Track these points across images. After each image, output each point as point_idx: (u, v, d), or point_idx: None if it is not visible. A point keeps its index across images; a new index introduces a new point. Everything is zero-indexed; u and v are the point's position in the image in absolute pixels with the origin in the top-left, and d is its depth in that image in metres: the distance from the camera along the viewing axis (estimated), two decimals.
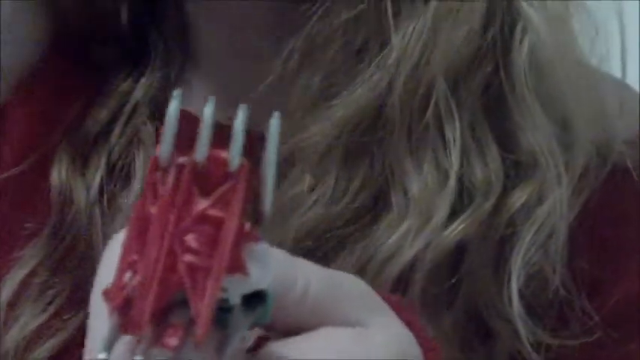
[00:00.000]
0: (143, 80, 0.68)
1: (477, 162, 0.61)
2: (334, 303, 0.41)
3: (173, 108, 0.36)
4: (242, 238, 0.36)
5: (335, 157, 0.61)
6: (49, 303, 0.63)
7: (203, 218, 0.35)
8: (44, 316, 0.63)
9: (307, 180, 0.60)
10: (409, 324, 0.44)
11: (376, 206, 0.61)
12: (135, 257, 0.36)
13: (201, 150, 0.36)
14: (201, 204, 0.36)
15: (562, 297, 0.61)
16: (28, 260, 0.64)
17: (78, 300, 0.62)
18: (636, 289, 0.64)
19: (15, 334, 0.62)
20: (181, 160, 0.36)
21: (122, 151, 0.65)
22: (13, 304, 0.63)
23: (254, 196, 0.37)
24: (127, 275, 0.36)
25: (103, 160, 0.65)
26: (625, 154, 0.64)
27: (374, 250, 0.59)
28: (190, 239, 0.35)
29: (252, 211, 0.37)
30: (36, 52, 0.68)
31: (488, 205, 0.60)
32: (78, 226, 0.64)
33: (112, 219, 0.64)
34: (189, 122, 0.69)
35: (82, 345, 0.39)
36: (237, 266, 0.36)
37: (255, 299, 0.38)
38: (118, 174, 0.65)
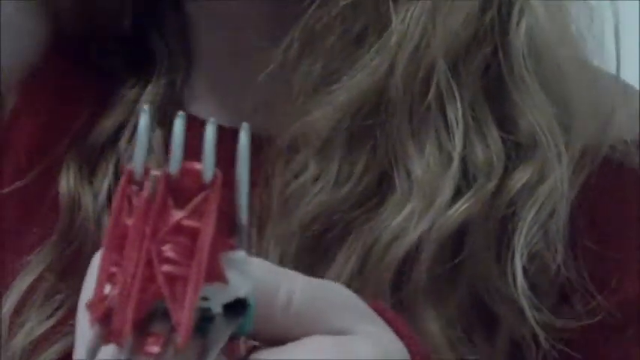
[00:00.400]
0: (150, 87, 0.68)
1: (478, 143, 0.61)
2: (319, 312, 0.42)
3: (143, 122, 0.37)
4: (219, 247, 0.37)
5: (338, 142, 0.61)
6: (57, 308, 0.64)
7: (179, 229, 0.36)
8: (51, 322, 0.63)
9: (311, 166, 0.61)
10: (396, 330, 0.44)
11: (380, 189, 0.61)
12: (113, 269, 0.37)
13: (175, 162, 0.37)
14: (177, 215, 0.36)
15: (564, 276, 0.62)
16: (35, 266, 0.65)
17: None
18: (636, 271, 0.64)
19: (21, 339, 0.63)
20: (155, 172, 0.37)
21: (130, 159, 0.64)
22: (20, 309, 0.64)
23: (231, 206, 0.38)
24: (107, 287, 0.37)
25: (111, 168, 0.66)
26: (625, 149, 0.65)
27: (379, 232, 0.60)
28: (167, 250, 0.36)
29: (230, 221, 0.38)
30: (36, 53, 0.69)
31: (490, 185, 0.61)
32: (86, 232, 0.65)
33: None
34: (193, 126, 0.70)
35: None
36: (215, 275, 0.37)
37: (237, 308, 0.38)
38: None
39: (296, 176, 0.61)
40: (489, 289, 0.61)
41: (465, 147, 0.61)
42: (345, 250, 0.60)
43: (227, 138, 0.66)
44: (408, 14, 0.61)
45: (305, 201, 0.60)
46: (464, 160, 0.61)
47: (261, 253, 0.60)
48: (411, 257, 0.60)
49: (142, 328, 0.36)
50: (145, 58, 0.68)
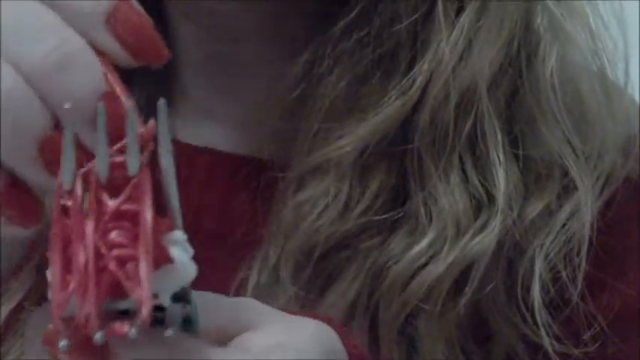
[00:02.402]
0: None
1: (500, 172, 0.61)
2: (248, 317, 0.44)
3: (69, 135, 0.39)
4: (159, 228, 0.39)
5: (357, 166, 0.61)
6: None
7: (118, 215, 0.38)
8: None
9: (325, 188, 0.61)
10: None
11: (395, 215, 0.61)
12: (64, 276, 0.38)
13: (101, 159, 0.39)
14: (114, 203, 0.38)
15: (570, 302, 0.61)
16: (14, 293, 0.63)
17: None
18: (635, 293, 0.63)
19: None
20: (83, 171, 0.39)
21: None
22: (2, 339, 0.62)
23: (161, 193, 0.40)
24: (62, 294, 0.38)
25: None
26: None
27: (395, 258, 0.60)
28: (114, 236, 0.38)
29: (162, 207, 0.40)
30: None
31: (513, 215, 0.61)
32: None
33: None
34: (181, 153, 0.64)
35: None
36: (161, 256, 0.38)
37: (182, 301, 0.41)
38: None
39: (310, 197, 0.61)
40: (493, 312, 0.61)
41: (487, 177, 0.61)
42: (352, 271, 0.60)
43: (224, 164, 0.64)
44: (443, 42, 0.60)
45: (316, 221, 0.60)
46: (486, 190, 0.61)
47: (273, 271, 0.61)
48: (428, 289, 0.60)
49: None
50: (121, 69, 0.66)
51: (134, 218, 0.38)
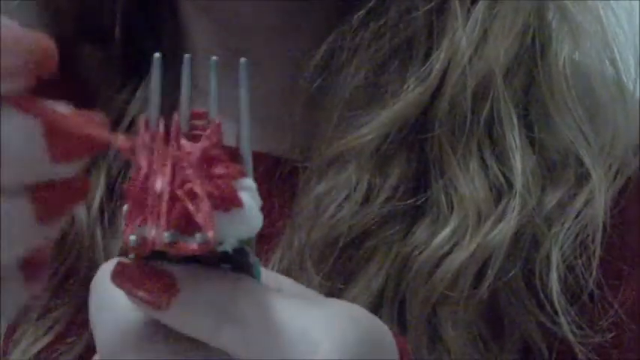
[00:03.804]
0: (139, 93, 0.66)
1: (517, 156, 0.62)
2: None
3: (156, 74, 0.42)
4: (231, 171, 0.42)
5: (383, 156, 0.62)
6: (51, 326, 0.63)
7: (197, 158, 0.41)
8: (46, 339, 0.62)
9: (347, 178, 0.62)
10: None
11: (416, 204, 0.62)
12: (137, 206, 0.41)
13: (184, 108, 0.42)
14: (191, 147, 0.42)
15: (586, 290, 0.63)
16: None
17: (81, 322, 0.62)
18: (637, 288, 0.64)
19: (17, 357, 0.62)
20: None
21: (121, 168, 0.64)
22: (14, 327, 0.63)
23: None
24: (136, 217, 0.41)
25: (102, 179, 0.64)
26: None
27: (420, 248, 0.61)
28: (189, 174, 0.41)
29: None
30: None
31: (532, 203, 0.62)
32: (80, 246, 0.63)
33: (113, 239, 0.63)
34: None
35: None
36: (231, 198, 0.41)
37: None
38: (118, 192, 0.64)
39: (331, 187, 0.62)
40: (511, 300, 0.62)
41: (504, 163, 0.62)
42: (376, 262, 0.61)
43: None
44: (459, 31, 0.62)
45: (338, 211, 0.61)
46: (505, 177, 0.62)
47: (295, 261, 0.62)
48: (453, 277, 0.61)
49: None
50: (135, 60, 0.67)
51: (209, 163, 0.41)
